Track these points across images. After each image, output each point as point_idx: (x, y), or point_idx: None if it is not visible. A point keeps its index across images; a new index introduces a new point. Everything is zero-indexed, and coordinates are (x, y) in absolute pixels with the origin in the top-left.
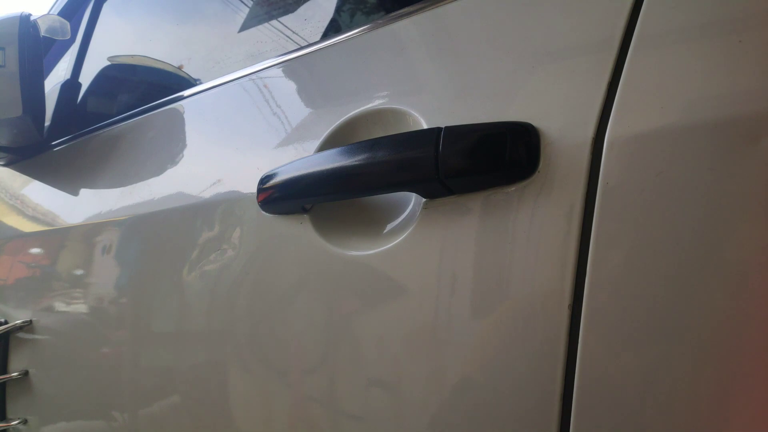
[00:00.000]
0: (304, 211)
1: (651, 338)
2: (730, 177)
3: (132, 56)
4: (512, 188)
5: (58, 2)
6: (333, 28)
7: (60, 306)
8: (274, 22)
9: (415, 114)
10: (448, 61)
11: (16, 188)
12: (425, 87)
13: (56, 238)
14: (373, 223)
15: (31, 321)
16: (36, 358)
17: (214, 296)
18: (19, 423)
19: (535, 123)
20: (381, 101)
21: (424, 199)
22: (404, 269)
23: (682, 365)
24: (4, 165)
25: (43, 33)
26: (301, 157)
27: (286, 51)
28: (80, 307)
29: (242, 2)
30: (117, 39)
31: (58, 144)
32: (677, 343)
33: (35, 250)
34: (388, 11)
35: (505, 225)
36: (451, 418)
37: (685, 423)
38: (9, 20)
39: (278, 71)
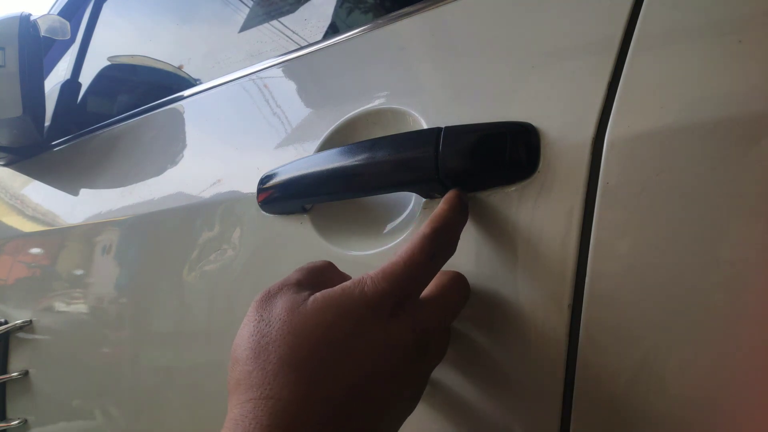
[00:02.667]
0: (304, 211)
1: (651, 338)
2: (730, 177)
3: (132, 56)
4: (512, 188)
5: (58, 2)
6: (333, 28)
7: (60, 306)
8: (274, 22)
9: (415, 114)
10: (448, 61)
11: (16, 188)
12: (425, 87)
13: (56, 238)
14: (373, 223)
15: (31, 321)
16: (36, 358)
17: (214, 296)
18: (19, 423)
19: (535, 123)
20: (381, 101)
21: (424, 199)
22: None
23: (682, 365)
24: (4, 165)
25: (43, 33)
26: (301, 157)
27: (286, 51)
28: (80, 307)
29: (242, 2)
30: (117, 39)
31: (58, 144)
32: (678, 343)
33: (35, 250)
34: (388, 11)
35: (505, 225)
36: (451, 418)
37: (686, 423)
38: (9, 20)
39: (278, 71)
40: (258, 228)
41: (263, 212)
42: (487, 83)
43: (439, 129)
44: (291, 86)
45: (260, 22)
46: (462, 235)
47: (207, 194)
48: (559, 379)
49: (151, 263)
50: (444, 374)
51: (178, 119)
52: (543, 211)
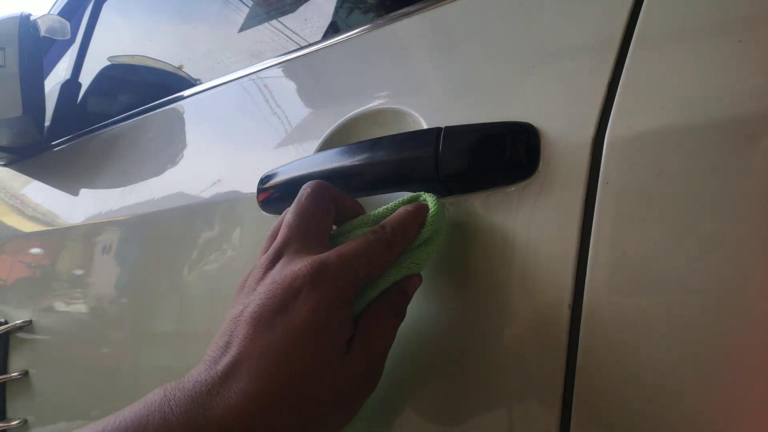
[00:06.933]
0: None
1: (651, 338)
2: (730, 177)
3: (132, 56)
4: (512, 188)
5: (58, 2)
6: (333, 28)
7: (60, 306)
8: (274, 22)
9: (415, 114)
10: (448, 61)
11: (16, 188)
12: (425, 87)
13: (56, 238)
14: None
15: (31, 321)
16: (36, 358)
17: (215, 296)
18: (19, 423)
19: (535, 123)
20: (381, 101)
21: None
22: None
23: (682, 365)
24: (4, 165)
25: (43, 33)
26: (301, 157)
27: (286, 51)
28: (80, 307)
29: (242, 2)
30: (117, 39)
31: (58, 144)
32: (678, 343)
33: (35, 250)
34: (388, 11)
35: (505, 225)
36: (451, 418)
37: (686, 423)
38: (9, 20)
39: (278, 71)
40: (258, 228)
41: (263, 212)
42: (487, 83)
43: (439, 129)
44: (291, 86)
45: (260, 22)
46: (462, 236)
47: (207, 194)
48: (559, 380)
49: (151, 263)
50: (444, 374)
51: (178, 119)
52: (543, 211)
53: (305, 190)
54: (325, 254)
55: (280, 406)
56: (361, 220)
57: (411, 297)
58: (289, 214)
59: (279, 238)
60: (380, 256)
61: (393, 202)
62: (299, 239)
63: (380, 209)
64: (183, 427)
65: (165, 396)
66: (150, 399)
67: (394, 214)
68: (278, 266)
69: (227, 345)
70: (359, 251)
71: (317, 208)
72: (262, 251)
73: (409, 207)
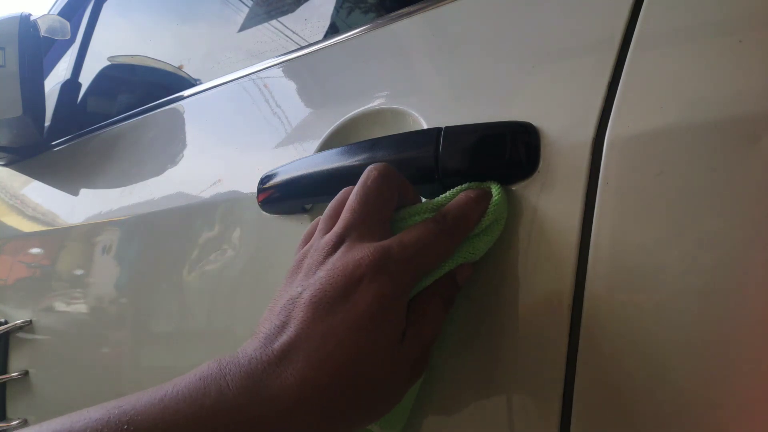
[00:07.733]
0: (304, 211)
1: (651, 338)
2: (730, 177)
3: (132, 56)
4: (512, 188)
5: (58, 2)
6: (333, 28)
7: (60, 306)
8: (274, 22)
9: (415, 114)
10: (448, 61)
11: (16, 188)
12: (425, 87)
13: (56, 238)
14: None
15: (31, 321)
16: (36, 358)
17: (215, 296)
18: (19, 423)
19: (535, 123)
20: (381, 101)
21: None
22: None
23: (682, 364)
24: (4, 165)
25: (43, 33)
26: (302, 157)
27: (286, 51)
28: (80, 307)
29: (242, 2)
30: (117, 39)
31: (58, 144)
32: (678, 343)
33: (35, 250)
34: (388, 11)
35: (505, 225)
36: (450, 417)
37: (687, 424)
38: (9, 20)
39: (278, 71)
40: (258, 228)
41: (263, 212)
42: (487, 83)
43: (439, 129)
44: (291, 86)
45: (260, 22)
46: None
47: (207, 194)
48: (559, 379)
49: (151, 263)
50: (444, 373)
51: (178, 119)
52: (543, 211)
53: (371, 172)
54: (387, 242)
55: (333, 391)
56: (421, 206)
57: (461, 286)
58: (353, 196)
59: (341, 223)
60: (441, 247)
61: (452, 189)
62: (361, 225)
63: (440, 197)
64: (238, 401)
65: (221, 370)
66: (205, 371)
67: (455, 199)
68: (340, 252)
69: (284, 325)
70: (421, 241)
71: (382, 194)
72: (321, 231)
73: (471, 193)
